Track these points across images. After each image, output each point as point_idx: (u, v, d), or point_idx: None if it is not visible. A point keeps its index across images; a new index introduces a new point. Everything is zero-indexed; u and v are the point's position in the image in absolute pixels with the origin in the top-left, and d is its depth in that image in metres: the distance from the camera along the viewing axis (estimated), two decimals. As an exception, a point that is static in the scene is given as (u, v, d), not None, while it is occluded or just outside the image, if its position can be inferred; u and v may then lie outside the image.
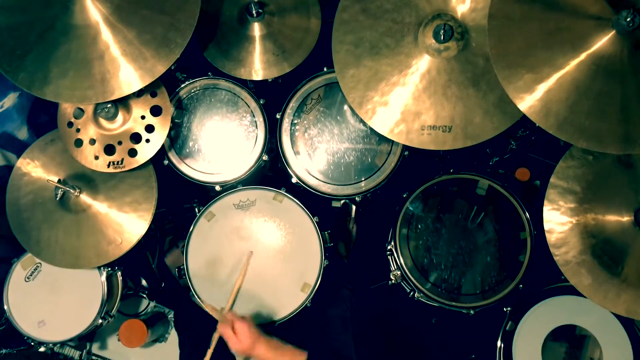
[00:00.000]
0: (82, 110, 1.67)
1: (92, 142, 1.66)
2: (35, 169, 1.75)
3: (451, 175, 1.82)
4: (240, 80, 1.82)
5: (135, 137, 1.66)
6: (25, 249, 1.70)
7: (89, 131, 1.66)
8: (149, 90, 1.66)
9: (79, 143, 1.66)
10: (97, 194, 1.69)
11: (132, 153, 1.65)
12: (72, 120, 1.66)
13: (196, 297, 1.69)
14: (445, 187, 1.82)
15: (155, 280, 2.16)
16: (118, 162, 1.64)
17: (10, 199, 1.73)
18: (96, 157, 1.65)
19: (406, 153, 1.75)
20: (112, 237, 1.67)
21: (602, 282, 1.50)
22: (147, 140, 1.65)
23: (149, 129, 1.66)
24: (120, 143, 1.65)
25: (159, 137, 1.66)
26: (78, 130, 1.66)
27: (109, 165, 1.64)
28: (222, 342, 1.50)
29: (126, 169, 1.64)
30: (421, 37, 1.51)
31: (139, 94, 1.65)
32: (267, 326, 1.65)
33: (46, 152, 1.76)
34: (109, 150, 1.66)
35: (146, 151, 1.65)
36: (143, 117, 1.66)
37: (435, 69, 1.51)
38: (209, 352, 1.52)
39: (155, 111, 1.67)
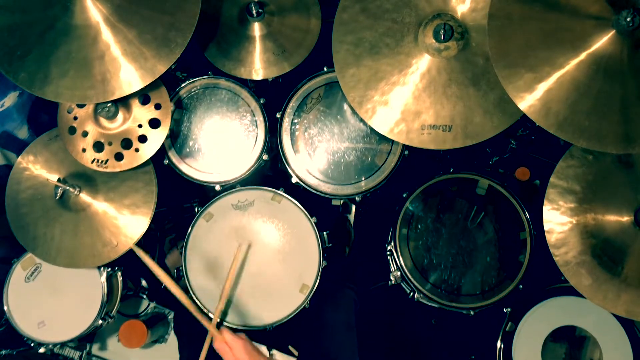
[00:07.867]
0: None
1: (94, 143, 1.65)
2: (36, 165, 1.74)
3: (451, 175, 1.82)
4: (241, 80, 1.82)
5: (136, 137, 1.66)
6: (21, 244, 1.69)
7: (88, 131, 1.66)
8: (154, 103, 1.65)
9: (79, 144, 1.66)
10: (97, 194, 1.68)
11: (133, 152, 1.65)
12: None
13: (195, 298, 1.69)
14: (445, 186, 1.82)
15: (155, 280, 2.16)
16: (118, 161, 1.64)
17: (9, 192, 1.73)
18: (97, 158, 1.65)
19: (406, 153, 1.75)
20: (108, 238, 1.66)
21: (602, 282, 1.50)
22: (147, 140, 1.65)
23: (149, 128, 1.66)
24: (120, 142, 1.65)
25: (159, 137, 1.66)
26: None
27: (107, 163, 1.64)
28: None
29: (125, 168, 1.64)
30: (421, 36, 1.51)
31: (144, 102, 1.65)
32: (265, 328, 1.65)
33: (49, 148, 1.75)
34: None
35: (146, 150, 1.65)
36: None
37: (435, 69, 1.51)
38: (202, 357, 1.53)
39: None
